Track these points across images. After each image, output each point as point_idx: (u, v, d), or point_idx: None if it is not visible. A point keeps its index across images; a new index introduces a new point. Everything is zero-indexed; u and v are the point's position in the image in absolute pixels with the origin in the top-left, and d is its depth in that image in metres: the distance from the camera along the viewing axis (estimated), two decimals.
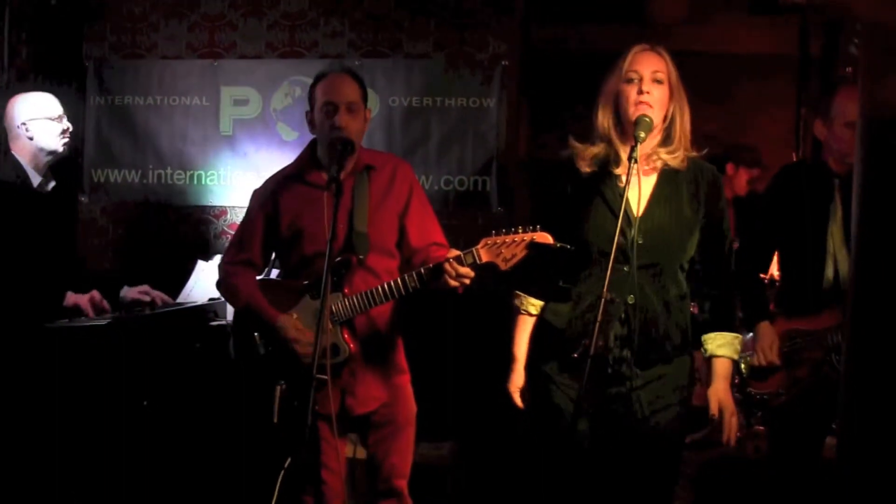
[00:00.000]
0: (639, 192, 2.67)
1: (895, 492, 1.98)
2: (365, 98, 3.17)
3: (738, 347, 2.81)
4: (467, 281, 2.81)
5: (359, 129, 3.13)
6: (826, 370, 3.23)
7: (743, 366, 3.43)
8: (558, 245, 2.66)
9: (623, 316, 2.64)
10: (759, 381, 3.39)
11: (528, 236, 2.70)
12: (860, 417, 2.04)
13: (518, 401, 2.85)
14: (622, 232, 2.60)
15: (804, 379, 3.29)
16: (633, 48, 2.71)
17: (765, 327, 3.36)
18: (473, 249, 2.78)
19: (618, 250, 2.58)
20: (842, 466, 2.15)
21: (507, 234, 2.74)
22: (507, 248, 2.73)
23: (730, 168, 5.87)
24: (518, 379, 2.85)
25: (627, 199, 2.60)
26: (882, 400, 1.97)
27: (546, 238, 2.68)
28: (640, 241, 2.64)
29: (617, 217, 2.58)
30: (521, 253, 2.72)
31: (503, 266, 2.75)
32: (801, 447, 3.37)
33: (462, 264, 2.78)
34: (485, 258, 2.76)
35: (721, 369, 2.78)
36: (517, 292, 2.87)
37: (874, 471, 2.01)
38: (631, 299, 2.64)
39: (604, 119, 2.72)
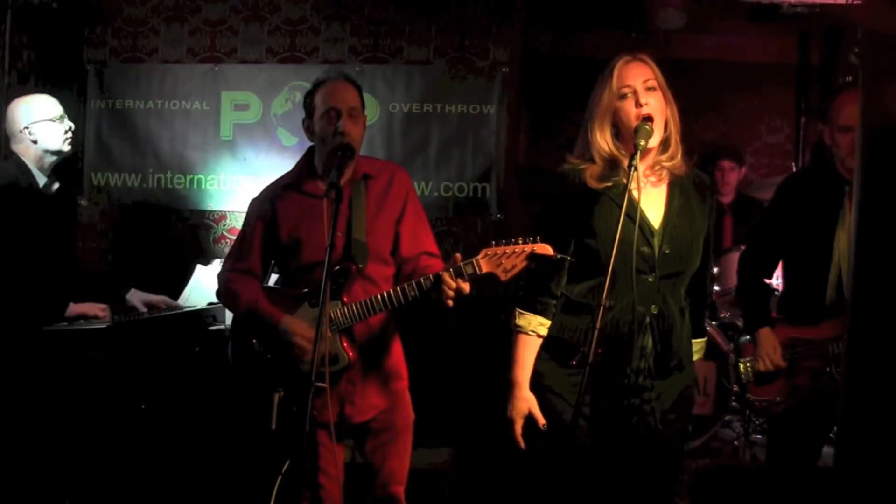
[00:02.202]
0: (653, 203, 2.68)
1: (894, 500, 1.98)
2: (363, 104, 3.18)
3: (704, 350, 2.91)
4: (465, 291, 2.81)
5: (360, 135, 3.14)
6: (826, 380, 3.23)
7: (743, 371, 3.43)
8: (558, 256, 2.66)
9: (647, 326, 2.64)
10: (759, 388, 3.39)
11: (528, 247, 2.70)
12: (860, 424, 2.04)
13: (519, 433, 2.67)
14: (647, 243, 2.62)
15: (804, 387, 3.29)
16: (617, 62, 2.68)
17: (766, 333, 3.36)
18: (473, 260, 2.78)
19: (642, 261, 2.59)
20: (840, 474, 2.15)
21: (507, 244, 2.74)
22: (507, 258, 2.73)
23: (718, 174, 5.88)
24: (523, 405, 2.68)
25: (642, 209, 2.61)
26: (881, 407, 1.97)
27: (546, 249, 2.68)
28: (666, 252, 2.64)
29: (638, 228, 2.57)
30: (521, 264, 2.72)
31: (503, 277, 2.75)
32: (799, 455, 3.37)
33: (462, 274, 2.79)
34: (485, 269, 2.77)
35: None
36: (521, 312, 2.73)
37: (873, 479, 2.01)
38: (654, 309, 2.64)
39: (602, 139, 2.67)
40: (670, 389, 2.70)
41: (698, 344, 2.84)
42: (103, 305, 3.88)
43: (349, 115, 3.07)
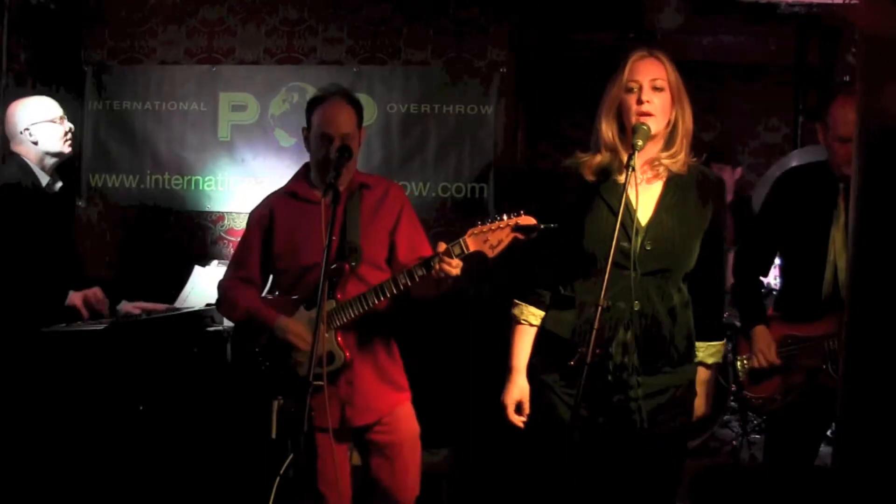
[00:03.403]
0: (645, 199, 2.68)
1: (893, 500, 1.98)
2: (360, 121, 3.20)
3: (723, 353, 2.90)
4: (455, 271, 2.83)
5: (356, 149, 3.17)
6: (822, 378, 3.23)
7: (740, 369, 3.43)
8: (542, 226, 2.70)
9: (627, 322, 2.64)
10: (755, 386, 3.39)
11: (512, 220, 2.75)
12: (857, 422, 2.04)
13: (512, 415, 2.79)
14: (628, 238, 2.61)
15: (800, 385, 3.29)
16: (633, 55, 2.70)
17: (760, 331, 3.36)
18: (460, 240, 2.81)
19: (624, 257, 2.60)
20: (838, 473, 2.15)
21: (492, 221, 2.79)
22: (492, 234, 2.77)
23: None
24: (515, 391, 2.78)
25: (632, 206, 2.61)
26: (880, 405, 1.97)
27: (530, 220, 2.72)
28: (648, 248, 2.64)
29: (623, 224, 2.58)
30: (506, 238, 2.76)
31: (490, 253, 2.79)
32: (796, 454, 3.36)
33: (451, 255, 2.81)
34: (472, 247, 2.80)
35: (707, 376, 2.82)
36: (516, 301, 2.82)
37: (872, 479, 2.01)
38: (636, 305, 2.64)
39: (607, 129, 2.71)
40: (660, 387, 2.68)
41: (713, 347, 2.80)
42: (101, 296, 3.86)
43: (342, 140, 3.09)
